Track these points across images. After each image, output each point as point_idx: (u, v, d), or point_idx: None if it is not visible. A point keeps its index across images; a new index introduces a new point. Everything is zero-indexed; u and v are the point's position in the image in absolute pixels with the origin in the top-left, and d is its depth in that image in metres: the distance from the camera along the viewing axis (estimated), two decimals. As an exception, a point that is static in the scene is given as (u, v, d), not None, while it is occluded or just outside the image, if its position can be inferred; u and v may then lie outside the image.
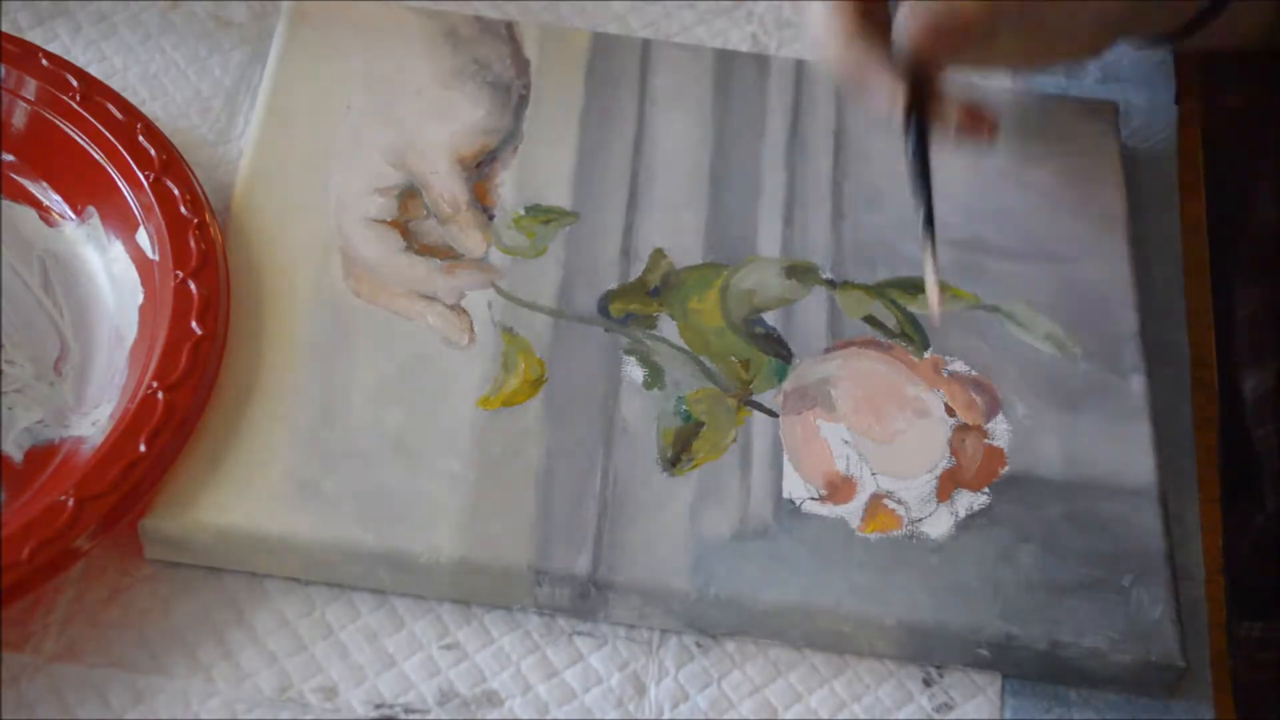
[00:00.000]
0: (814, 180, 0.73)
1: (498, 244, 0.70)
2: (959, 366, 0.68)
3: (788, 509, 0.64)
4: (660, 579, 0.62)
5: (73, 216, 0.69)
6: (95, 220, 0.68)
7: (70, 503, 0.59)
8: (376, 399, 0.65)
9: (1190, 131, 0.78)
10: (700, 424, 0.66)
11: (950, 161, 0.72)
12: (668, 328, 0.68)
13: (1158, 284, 0.73)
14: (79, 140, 0.69)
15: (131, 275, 0.67)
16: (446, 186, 0.71)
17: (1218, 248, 0.76)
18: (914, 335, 0.69)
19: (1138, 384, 0.68)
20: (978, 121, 0.66)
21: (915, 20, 0.64)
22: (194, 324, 0.64)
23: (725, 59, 0.76)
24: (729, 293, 0.69)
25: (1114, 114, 0.75)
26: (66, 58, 0.71)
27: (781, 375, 0.67)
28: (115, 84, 0.72)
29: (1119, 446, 0.66)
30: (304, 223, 0.69)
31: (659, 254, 0.70)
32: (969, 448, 0.66)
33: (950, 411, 0.67)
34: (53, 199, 0.69)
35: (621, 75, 0.75)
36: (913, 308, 0.69)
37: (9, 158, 0.69)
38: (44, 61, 0.70)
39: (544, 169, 0.72)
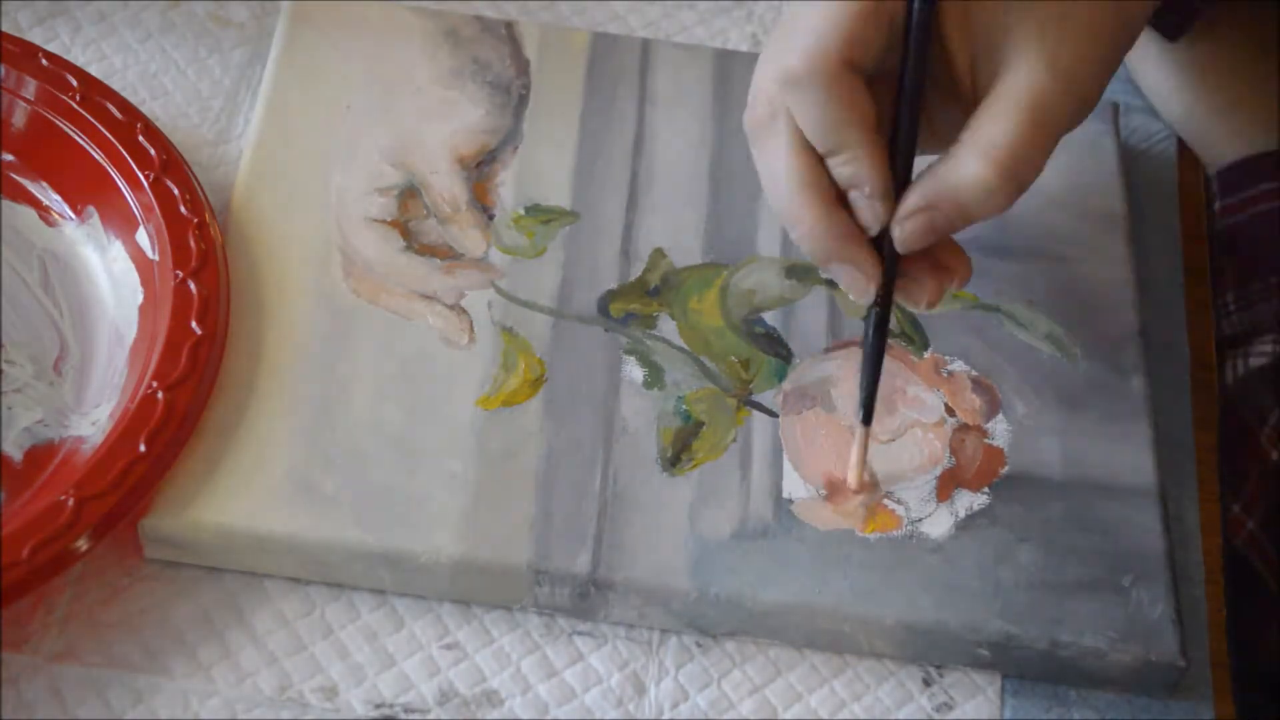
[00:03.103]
0: (814, 180, 0.73)
1: (498, 244, 0.70)
2: (959, 366, 0.68)
3: (787, 509, 0.64)
4: (660, 579, 0.62)
5: (72, 216, 0.69)
6: (95, 220, 0.68)
7: (70, 502, 0.59)
8: (376, 398, 0.65)
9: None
10: (700, 424, 0.66)
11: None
12: (668, 327, 0.68)
13: (1158, 284, 0.73)
14: (79, 140, 0.69)
15: (131, 275, 0.67)
16: (446, 186, 0.71)
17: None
18: (914, 335, 0.69)
19: (1138, 384, 0.68)
20: (951, 276, 0.62)
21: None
22: (194, 324, 0.64)
23: (725, 59, 0.76)
24: (729, 292, 0.69)
25: (1114, 114, 0.75)
26: (66, 57, 0.71)
27: (781, 375, 0.67)
28: (115, 83, 0.72)
29: (1119, 446, 0.66)
30: (304, 222, 0.69)
31: (659, 254, 0.70)
32: (969, 448, 0.66)
33: (950, 411, 0.67)
34: (52, 199, 0.69)
35: (621, 75, 0.75)
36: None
37: (9, 157, 0.69)
38: (44, 61, 0.70)
39: (544, 169, 0.72)
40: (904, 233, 0.60)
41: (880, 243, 0.60)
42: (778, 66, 0.59)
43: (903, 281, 0.61)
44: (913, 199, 0.59)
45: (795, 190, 0.60)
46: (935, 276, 0.62)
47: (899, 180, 0.60)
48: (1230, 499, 0.73)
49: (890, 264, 0.61)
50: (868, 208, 0.59)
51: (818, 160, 0.60)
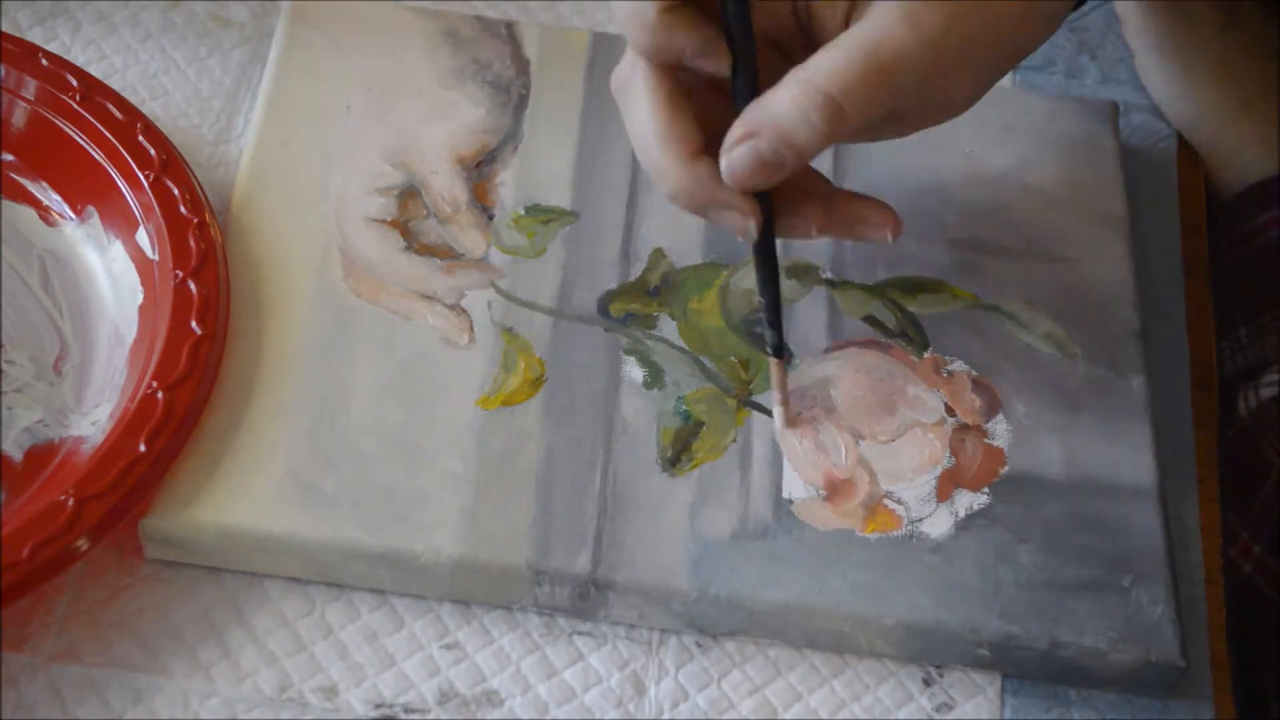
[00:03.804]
0: (814, 180, 0.73)
1: (497, 244, 0.70)
2: (959, 366, 0.68)
3: (787, 509, 0.64)
4: (660, 579, 0.62)
5: (72, 216, 0.69)
6: (95, 220, 0.68)
7: (70, 502, 0.59)
8: (376, 399, 0.65)
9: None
10: (700, 424, 0.66)
11: (949, 161, 0.73)
12: (667, 328, 0.68)
13: (1158, 284, 0.73)
14: (79, 140, 0.69)
15: (131, 275, 0.67)
16: (446, 186, 0.71)
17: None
18: (914, 335, 0.69)
19: (1137, 384, 0.68)
20: (859, 221, 0.62)
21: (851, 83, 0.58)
22: (194, 324, 0.64)
23: (725, 59, 0.76)
24: (729, 292, 0.69)
25: (1114, 114, 0.75)
26: (66, 57, 0.71)
27: (781, 375, 0.67)
28: (115, 83, 0.72)
29: (1119, 446, 0.66)
30: (304, 222, 0.69)
31: (659, 254, 0.70)
32: (969, 447, 0.66)
33: (950, 411, 0.67)
34: (52, 199, 0.69)
35: (621, 75, 0.75)
36: (912, 307, 0.69)
37: (9, 157, 0.69)
38: (44, 61, 0.70)
39: (544, 169, 0.72)
40: (730, 162, 0.59)
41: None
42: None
43: (782, 220, 0.61)
44: (736, 127, 0.59)
45: (659, 145, 0.60)
46: (817, 213, 0.61)
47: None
48: (1237, 525, 0.73)
49: (767, 205, 0.60)
50: (724, 160, 0.59)
51: (679, 113, 0.59)
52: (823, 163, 0.73)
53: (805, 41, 0.61)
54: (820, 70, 0.58)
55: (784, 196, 0.61)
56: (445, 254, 0.69)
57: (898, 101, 0.59)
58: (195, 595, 0.63)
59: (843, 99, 0.58)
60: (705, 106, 0.61)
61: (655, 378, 0.67)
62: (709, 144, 0.60)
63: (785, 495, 0.64)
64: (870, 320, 0.69)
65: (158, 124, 0.70)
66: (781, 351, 0.64)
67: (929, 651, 0.63)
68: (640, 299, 0.69)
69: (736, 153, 0.59)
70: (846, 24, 0.59)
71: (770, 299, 0.63)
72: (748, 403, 0.67)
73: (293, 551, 0.62)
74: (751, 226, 0.60)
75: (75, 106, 0.69)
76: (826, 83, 0.58)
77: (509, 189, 0.71)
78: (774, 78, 0.59)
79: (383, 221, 0.70)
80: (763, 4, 0.60)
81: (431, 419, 0.65)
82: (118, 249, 0.68)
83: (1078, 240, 0.72)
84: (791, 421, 0.65)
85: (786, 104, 0.58)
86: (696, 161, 0.60)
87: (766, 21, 0.61)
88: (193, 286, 0.65)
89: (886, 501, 0.65)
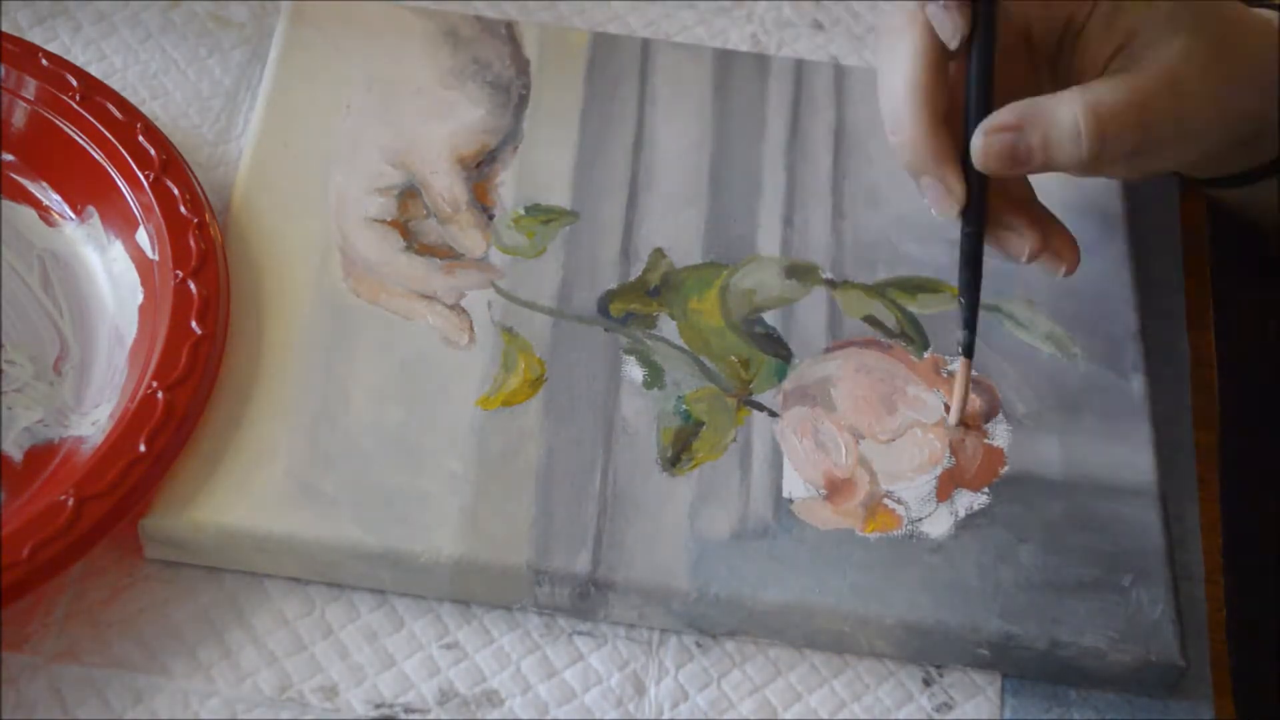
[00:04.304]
0: (814, 180, 0.73)
1: (497, 244, 0.70)
2: (959, 366, 0.68)
3: (787, 508, 0.64)
4: (660, 579, 0.62)
5: (72, 216, 0.69)
6: (95, 220, 0.68)
7: (70, 502, 0.59)
8: (376, 399, 0.65)
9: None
10: (700, 424, 0.66)
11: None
12: (667, 327, 0.68)
13: (1158, 284, 0.73)
14: (79, 140, 0.69)
15: (131, 275, 0.67)
16: (446, 186, 0.71)
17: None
18: (914, 335, 0.69)
19: (1137, 384, 0.68)
20: (1059, 252, 0.65)
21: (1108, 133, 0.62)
22: (194, 324, 0.64)
23: (725, 59, 0.76)
24: (729, 292, 0.69)
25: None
26: (66, 57, 0.71)
27: (781, 375, 0.67)
28: (115, 83, 0.72)
29: (1119, 446, 0.66)
30: (304, 222, 0.69)
31: (659, 254, 0.70)
32: (969, 447, 0.66)
33: (950, 411, 0.67)
34: (52, 199, 0.69)
35: (621, 75, 0.75)
36: (912, 307, 0.69)
37: (9, 157, 0.69)
38: (44, 61, 0.70)
39: (544, 169, 0.72)
40: (985, 144, 0.62)
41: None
42: None
43: (998, 230, 0.64)
44: (1005, 114, 0.62)
45: (908, 96, 0.62)
46: (1034, 234, 0.64)
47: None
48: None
49: (979, 191, 0.63)
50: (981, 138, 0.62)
51: (939, 76, 0.62)
52: (822, 163, 0.73)
53: (1058, 52, 0.64)
54: (1104, 102, 0.61)
55: (1001, 207, 0.64)
56: (445, 254, 0.69)
57: (1148, 148, 0.63)
58: (195, 595, 0.63)
59: (1109, 128, 0.61)
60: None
61: (655, 377, 0.67)
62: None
63: (785, 495, 0.64)
64: (870, 320, 0.69)
65: (158, 124, 0.70)
66: (971, 353, 0.65)
67: (929, 651, 0.63)
68: (640, 299, 0.69)
69: (996, 139, 0.62)
70: (1113, 55, 0.63)
71: (970, 300, 0.64)
72: (748, 402, 0.67)
73: (293, 551, 0.62)
74: (954, 207, 0.63)
75: (75, 106, 0.69)
76: (1109, 116, 0.61)
77: (509, 189, 0.71)
78: (1011, 75, 0.63)
79: (383, 221, 0.70)
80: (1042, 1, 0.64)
81: (431, 419, 0.65)
82: (118, 249, 0.68)
83: (1078, 240, 0.71)
84: (965, 419, 0.66)
85: (1065, 117, 0.61)
86: (938, 127, 0.62)
87: (1036, 14, 0.64)
88: (193, 286, 0.65)
89: (886, 501, 0.65)
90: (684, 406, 0.66)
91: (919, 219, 0.70)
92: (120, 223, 0.68)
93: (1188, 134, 0.64)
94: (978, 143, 0.62)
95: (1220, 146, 0.66)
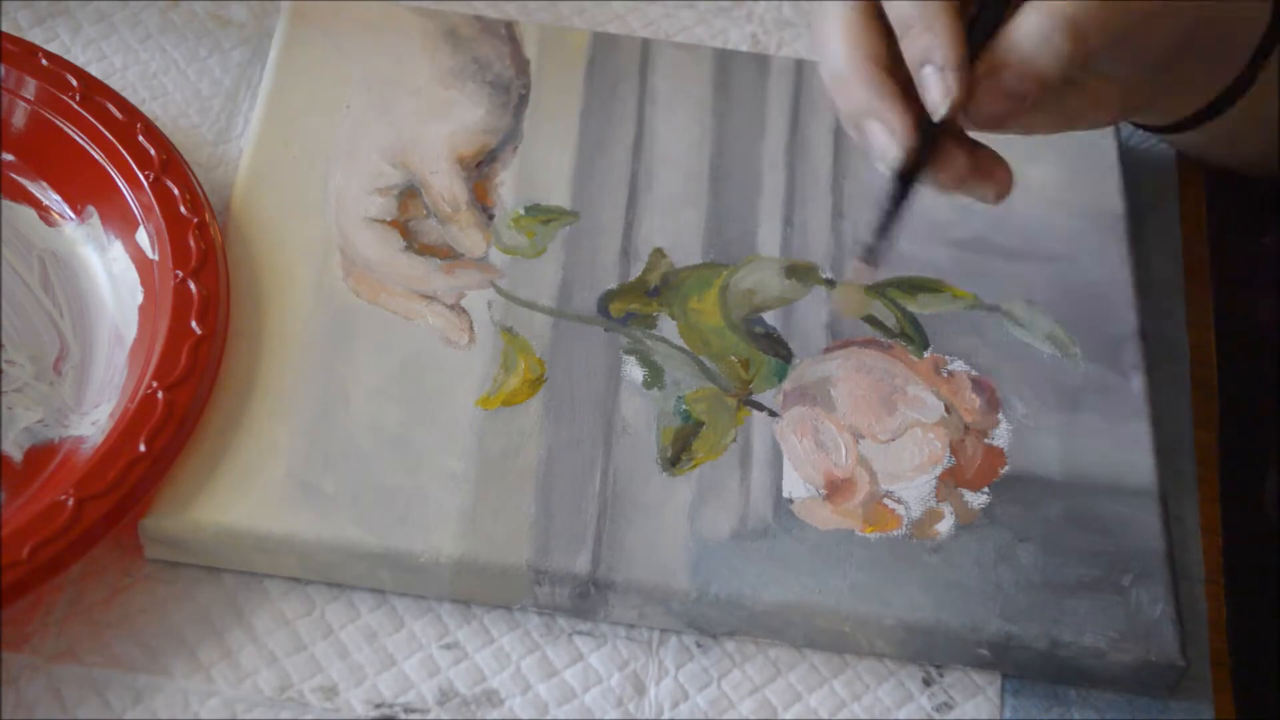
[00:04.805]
0: (814, 180, 0.73)
1: (497, 243, 0.70)
2: (959, 366, 0.68)
3: (787, 508, 0.64)
4: (660, 579, 0.62)
5: (72, 216, 0.69)
6: (95, 220, 0.68)
7: (70, 502, 0.59)
8: (376, 398, 0.65)
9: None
10: (700, 424, 0.66)
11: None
12: (667, 327, 0.68)
13: (1158, 284, 0.73)
14: (79, 140, 0.69)
15: (131, 275, 0.67)
16: (446, 186, 0.71)
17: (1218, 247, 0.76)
18: (914, 335, 0.69)
19: (1137, 383, 0.68)
20: (987, 177, 0.61)
21: (1057, 36, 0.58)
22: (194, 324, 0.64)
23: (725, 59, 0.76)
24: (729, 292, 0.69)
25: (1114, 113, 0.75)
26: (66, 56, 0.71)
27: (781, 375, 0.67)
28: (115, 83, 0.72)
29: (1119, 446, 0.66)
30: (304, 222, 0.69)
31: (659, 254, 0.70)
32: (969, 447, 0.66)
33: (950, 411, 0.67)
34: (52, 199, 0.69)
35: (621, 75, 0.75)
36: (912, 307, 0.69)
37: (9, 157, 0.69)
38: (44, 61, 0.70)
39: (544, 169, 0.72)
40: (977, 100, 0.59)
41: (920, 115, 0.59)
42: None
43: (938, 160, 0.60)
44: (979, 65, 0.59)
45: (846, 39, 0.59)
46: (971, 163, 0.61)
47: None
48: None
49: (925, 133, 0.59)
50: (938, 80, 0.58)
51: (878, 33, 0.59)
52: (822, 163, 0.73)
53: None
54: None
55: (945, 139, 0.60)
56: (445, 254, 0.69)
57: (1117, 42, 0.59)
58: (195, 595, 0.63)
59: (1077, 18, 0.58)
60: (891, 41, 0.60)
61: (655, 377, 0.67)
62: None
63: (785, 495, 0.64)
64: (870, 320, 0.69)
65: (157, 124, 0.70)
66: (873, 256, 0.61)
67: (929, 651, 0.63)
68: (640, 299, 0.69)
69: (982, 89, 0.58)
70: None
71: (884, 231, 0.60)
72: (748, 402, 0.67)
73: (292, 551, 0.62)
74: (895, 150, 0.59)
75: (75, 106, 0.69)
76: (1067, 4, 0.58)
77: (509, 189, 0.71)
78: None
79: (383, 221, 0.70)
80: None
81: (431, 419, 0.65)
82: (118, 249, 0.68)
83: (1077, 240, 0.72)
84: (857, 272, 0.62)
85: (1027, 32, 0.58)
86: (877, 70, 0.59)
87: None
88: (193, 286, 0.65)
89: (886, 501, 0.65)
90: (684, 406, 0.66)
91: (919, 219, 0.69)
92: (120, 223, 0.68)
93: (1146, 23, 0.60)
94: (941, 81, 0.58)
95: (1172, 55, 0.63)
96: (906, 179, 0.59)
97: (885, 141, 0.59)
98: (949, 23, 0.58)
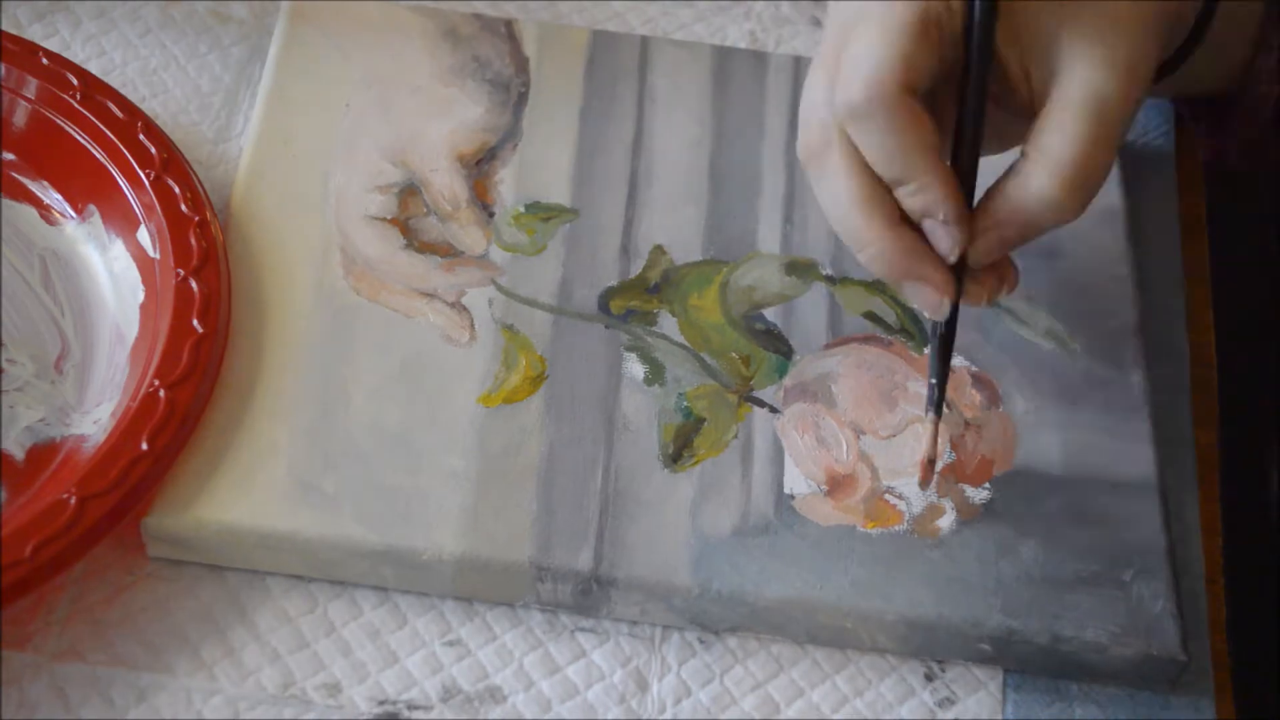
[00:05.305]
0: (813, 177, 0.73)
1: (498, 241, 0.70)
2: (959, 362, 0.68)
3: (789, 504, 0.64)
4: (662, 575, 0.62)
5: (73, 215, 0.69)
6: (96, 219, 0.68)
7: (72, 501, 0.59)
8: (377, 396, 0.65)
9: (1189, 130, 0.78)
10: (701, 420, 0.66)
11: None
12: (668, 324, 0.68)
13: (1158, 282, 0.73)
14: (79, 139, 0.69)
15: (132, 273, 0.67)
16: (446, 184, 0.71)
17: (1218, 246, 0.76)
18: (914, 331, 0.69)
19: (1137, 379, 0.68)
20: (1002, 283, 0.62)
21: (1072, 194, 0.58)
22: (195, 322, 0.64)
23: (724, 56, 0.76)
24: (729, 289, 0.70)
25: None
26: (66, 54, 0.72)
27: (782, 371, 0.68)
28: (115, 80, 0.72)
29: (1119, 442, 0.66)
30: (304, 220, 0.69)
31: (659, 251, 0.70)
32: (969, 443, 0.66)
33: (950, 407, 0.67)
34: (53, 197, 0.69)
35: (621, 73, 0.75)
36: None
37: (9, 156, 0.69)
38: (44, 60, 0.70)
39: (543, 166, 0.72)
40: (976, 253, 0.60)
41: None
42: (838, 96, 0.58)
43: (972, 286, 0.61)
44: (983, 219, 0.59)
45: (859, 212, 0.59)
46: (992, 276, 0.61)
47: (966, 196, 0.60)
48: None
49: (959, 278, 0.60)
50: (945, 234, 0.59)
51: (879, 181, 0.59)
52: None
53: (1010, 96, 0.61)
54: (1060, 154, 0.58)
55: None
56: (445, 251, 0.69)
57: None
58: (197, 593, 0.63)
59: (1085, 175, 0.58)
60: None
61: (656, 374, 0.67)
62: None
63: (787, 491, 0.64)
64: (870, 316, 0.69)
65: (158, 121, 0.70)
66: (940, 410, 0.62)
67: (931, 647, 0.63)
68: (641, 296, 0.69)
69: (983, 242, 0.59)
70: (1024, 69, 0.59)
71: (940, 377, 0.62)
72: (749, 399, 0.67)
73: (295, 549, 0.62)
74: (946, 303, 0.60)
75: (76, 105, 0.69)
76: (1070, 168, 0.58)
77: (509, 186, 0.71)
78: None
79: (383, 219, 0.70)
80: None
81: (433, 416, 0.65)
82: (119, 247, 0.68)
83: (1076, 236, 0.71)
84: (925, 482, 0.63)
85: (1037, 194, 0.58)
86: (899, 229, 0.59)
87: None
88: (194, 285, 0.65)
89: (888, 497, 0.65)
90: (685, 403, 0.66)
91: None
92: (121, 221, 0.68)
93: (1144, 97, 0.60)
94: (969, 254, 0.59)
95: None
96: (951, 319, 0.61)
97: (936, 300, 0.60)
98: (940, 176, 0.58)
